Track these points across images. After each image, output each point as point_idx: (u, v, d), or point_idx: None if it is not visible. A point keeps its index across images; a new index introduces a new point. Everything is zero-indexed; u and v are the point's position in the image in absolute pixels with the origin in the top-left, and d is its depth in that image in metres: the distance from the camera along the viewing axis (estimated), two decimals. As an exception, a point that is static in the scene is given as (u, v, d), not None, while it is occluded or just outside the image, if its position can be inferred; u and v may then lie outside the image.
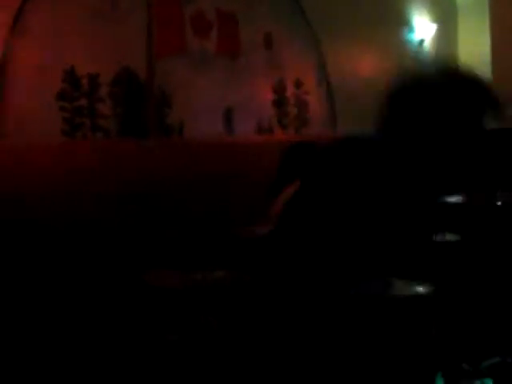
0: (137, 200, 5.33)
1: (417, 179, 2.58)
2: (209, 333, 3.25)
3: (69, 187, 5.09)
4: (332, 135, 7.52)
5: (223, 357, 3.34)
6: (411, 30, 8.92)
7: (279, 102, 7.52)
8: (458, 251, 4.35)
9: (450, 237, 4.32)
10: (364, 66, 8.32)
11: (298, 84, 7.70)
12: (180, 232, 5.23)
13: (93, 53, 5.97)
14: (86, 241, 4.91)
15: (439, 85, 2.23)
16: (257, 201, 4.07)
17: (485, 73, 8.64)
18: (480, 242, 4.80)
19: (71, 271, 4.73)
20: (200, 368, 3.37)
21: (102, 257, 4.90)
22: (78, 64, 5.87)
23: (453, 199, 4.52)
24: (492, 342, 3.73)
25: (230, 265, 3.38)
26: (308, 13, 7.74)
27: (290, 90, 7.63)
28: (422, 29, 8.94)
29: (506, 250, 4.66)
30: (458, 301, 3.56)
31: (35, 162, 5.05)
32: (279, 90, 7.53)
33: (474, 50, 9.17)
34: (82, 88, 5.94)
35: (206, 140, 6.31)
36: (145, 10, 6.28)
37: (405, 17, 8.91)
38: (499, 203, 5.42)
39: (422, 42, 8.95)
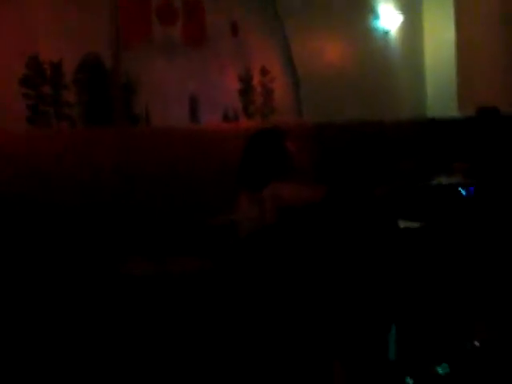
0: (104, 189, 5.29)
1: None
2: (181, 321, 3.26)
3: (34, 176, 5.03)
4: (298, 123, 7.54)
5: (197, 344, 3.36)
6: (377, 18, 8.95)
7: (245, 91, 7.51)
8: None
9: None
10: (330, 54, 8.34)
11: (264, 72, 7.69)
12: (149, 221, 5.21)
13: (56, 40, 5.90)
14: (54, 230, 4.87)
15: None
16: (222, 189, 4.06)
17: (450, 63, 8.72)
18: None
19: (45, 263, 4.69)
20: (174, 356, 3.38)
21: (74, 246, 4.86)
22: (42, 51, 5.80)
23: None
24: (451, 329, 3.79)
25: (199, 252, 3.38)
26: (275, 1, 7.73)
27: (256, 79, 7.62)
28: (388, 18, 8.97)
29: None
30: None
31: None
32: (245, 78, 7.51)
33: (440, 40, 9.24)
34: (46, 75, 5.87)
35: (172, 128, 6.28)
36: (110, -3, 6.22)
37: (371, 5, 8.93)
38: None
39: (387, 32, 8.98)
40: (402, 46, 9.25)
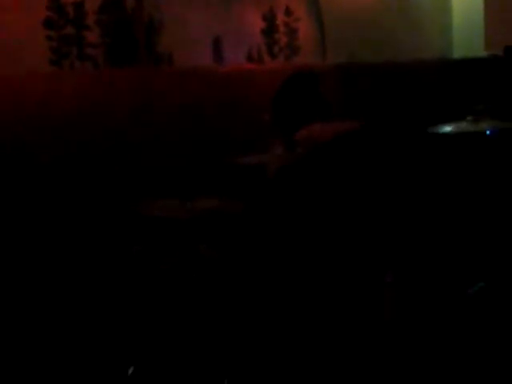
0: (128, 129, 5.29)
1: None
2: (202, 261, 3.27)
3: (58, 118, 5.04)
4: (322, 65, 7.46)
5: (216, 286, 3.37)
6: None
7: (269, 30, 7.42)
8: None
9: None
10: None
11: (289, 11, 7.58)
12: (173, 161, 5.22)
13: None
14: (77, 172, 4.89)
15: None
16: (248, 130, 4.04)
17: (477, 1, 8.54)
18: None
19: (62, 205, 4.73)
20: (192, 297, 3.41)
21: (95, 188, 4.89)
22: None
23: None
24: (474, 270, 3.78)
25: (224, 193, 3.38)
26: None
27: (280, 18, 7.52)
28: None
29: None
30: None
31: (23, 93, 4.99)
32: (269, 17, 7.41)
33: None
34: (68, 16, 5.83)
35: (195, 68, 6.24)
36: None
37: None
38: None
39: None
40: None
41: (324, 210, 3.02)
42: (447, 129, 3.79)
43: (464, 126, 4.12)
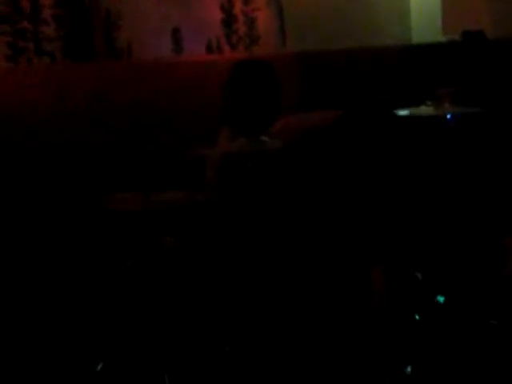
0: (88, 123, 5.25)
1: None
2: (166, 254, 3.25)
3: (17, 113, 4.98)
4: (282, 53, 7.45)
5: (180, 277, 3.36)
6: None
7: (228, 21, 7.39)
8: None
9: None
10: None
11: (247, 1, 7.56)
12: (133, 154, 5.19)
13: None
14: (38, 167, 4.84)
15: None
16: (206, 121, 4.02)
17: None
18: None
19: (27, 199, 4.68)
20: (157, 290, 3.39)
21: (58, 182, 4.85)
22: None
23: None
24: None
25: (186, 185, 3.35)
26: None
27: (239, 8, 7.50)
28: None
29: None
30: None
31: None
32: (227, 8, 7.39)
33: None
34: (24, 10, 5.75)
35: (155, 61, 6.20)
36: None
37: None
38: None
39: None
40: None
41: (302, 201, 2.99)
42: (406, 113, 3.80)
43: (424, 110, 4.14)
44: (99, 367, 3.28)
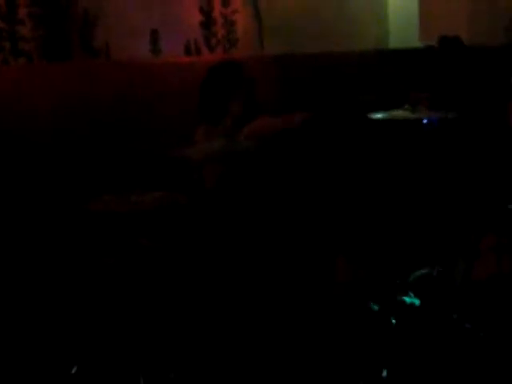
0: (63, 125, 5.22)
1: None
2: (144, 255, 3.24)
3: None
4: (260, 56, 7.46)
5: (158, 278, 3.35)
6: None
7: (206, 23, 7.39)
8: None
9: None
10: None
11: (226, 3, 7.56)
12: (113, 154, 5.16)
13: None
14: (16, 167, 4.80)
15: None
16: (184, 122, 4.00)
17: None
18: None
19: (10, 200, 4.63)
20: (136, 290, 3.37)
21: (36, 183, 4.81)
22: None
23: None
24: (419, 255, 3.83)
25: (166, 186, 3.34)
26: None
27: (218, 10, 7.50)
28: None
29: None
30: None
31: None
32: (206, 10, 7.38)
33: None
34: None
35: (132, 61, 6.18)
36: None
37: None
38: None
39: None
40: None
41: (276, 198, 3.02)
42: (383, 116, 3.83)
43: (401, 114, 4.16)
44: (74, 370, 3.26)
